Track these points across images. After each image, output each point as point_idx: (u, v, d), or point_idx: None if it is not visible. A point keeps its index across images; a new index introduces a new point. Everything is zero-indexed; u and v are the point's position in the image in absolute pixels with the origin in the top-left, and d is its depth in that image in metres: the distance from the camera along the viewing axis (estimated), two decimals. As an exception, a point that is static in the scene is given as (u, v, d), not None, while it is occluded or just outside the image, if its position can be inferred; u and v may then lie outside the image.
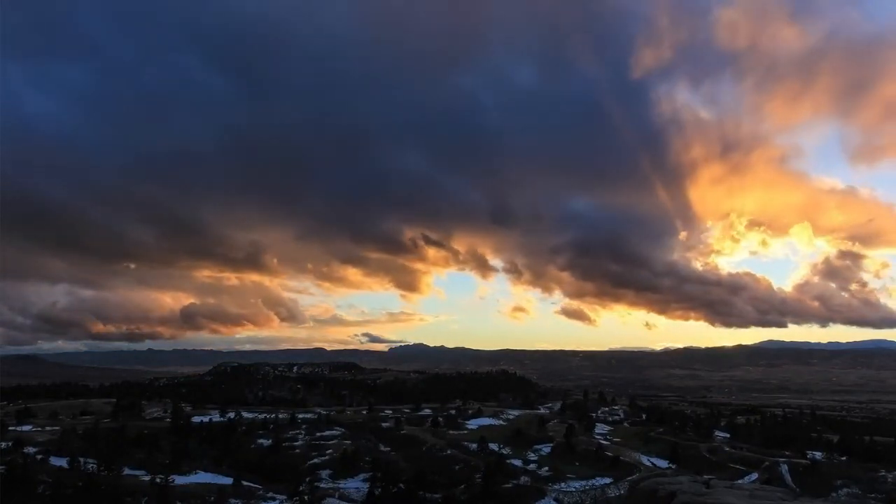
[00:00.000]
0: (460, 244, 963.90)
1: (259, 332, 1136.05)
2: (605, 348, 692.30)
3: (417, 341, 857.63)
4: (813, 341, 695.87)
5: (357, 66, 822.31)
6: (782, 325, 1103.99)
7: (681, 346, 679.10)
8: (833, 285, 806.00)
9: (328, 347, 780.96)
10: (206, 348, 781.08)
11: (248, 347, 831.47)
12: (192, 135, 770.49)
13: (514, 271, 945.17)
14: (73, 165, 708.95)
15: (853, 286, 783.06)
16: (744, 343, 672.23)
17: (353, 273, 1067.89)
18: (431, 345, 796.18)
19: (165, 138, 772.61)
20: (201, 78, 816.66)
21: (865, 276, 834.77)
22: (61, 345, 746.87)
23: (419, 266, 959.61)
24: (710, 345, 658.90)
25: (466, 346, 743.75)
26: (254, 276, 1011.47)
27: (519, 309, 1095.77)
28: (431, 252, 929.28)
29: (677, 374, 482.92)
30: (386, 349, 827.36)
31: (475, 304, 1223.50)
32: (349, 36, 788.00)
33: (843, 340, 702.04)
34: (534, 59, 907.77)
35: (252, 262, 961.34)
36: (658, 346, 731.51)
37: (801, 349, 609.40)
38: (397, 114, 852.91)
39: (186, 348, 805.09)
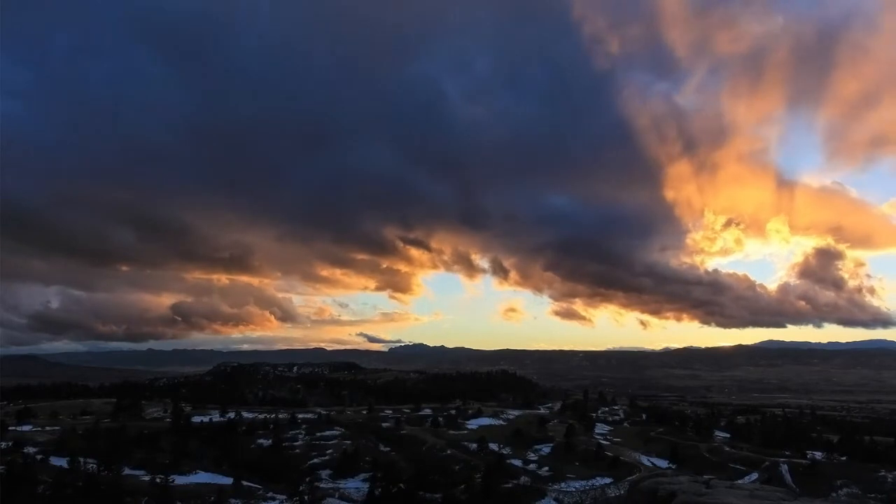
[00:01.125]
0: (443, 244, 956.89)
1: (254, 332, 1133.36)
2: (605, 348, 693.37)
3: (412, 341, 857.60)
4: (812, 341, 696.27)
5: (313, 55, 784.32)
6: (772, 325, 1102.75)
7: (680, 346, 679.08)
8: (818, 285, 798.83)
9: (327, 347, 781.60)
10: (206, 348, 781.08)
11: (248, 347, 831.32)
12: (151, 133, 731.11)
13: (501, 272, 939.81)
14: (37, 167, 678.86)
15: (838, 285, 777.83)
16: (743, 343, 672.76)
17: (340, 274, 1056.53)
18: (431, 345, 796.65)
19: (124, 137, 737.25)
20: (152, 72, 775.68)
21: (846, 276, 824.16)
22: (61, 345, 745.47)
23: (406, 267, 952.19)
24: (710, 345, 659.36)
25: (466, 346, 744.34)
26: (244, 277, 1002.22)
27: (511, 310, 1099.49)
28: (416, 253, 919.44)
29: (677, 374, 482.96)
30: (386, 349, 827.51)
31: (467, 304, 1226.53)
32: (304, 23, 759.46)
33: (843, 340, 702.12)
34: (496, 47, 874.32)
35: (238, 263, 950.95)
36: (658, 346, 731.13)
37: (800, 349, 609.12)
38: (360, 105, 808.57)
39: (186, 348, 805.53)
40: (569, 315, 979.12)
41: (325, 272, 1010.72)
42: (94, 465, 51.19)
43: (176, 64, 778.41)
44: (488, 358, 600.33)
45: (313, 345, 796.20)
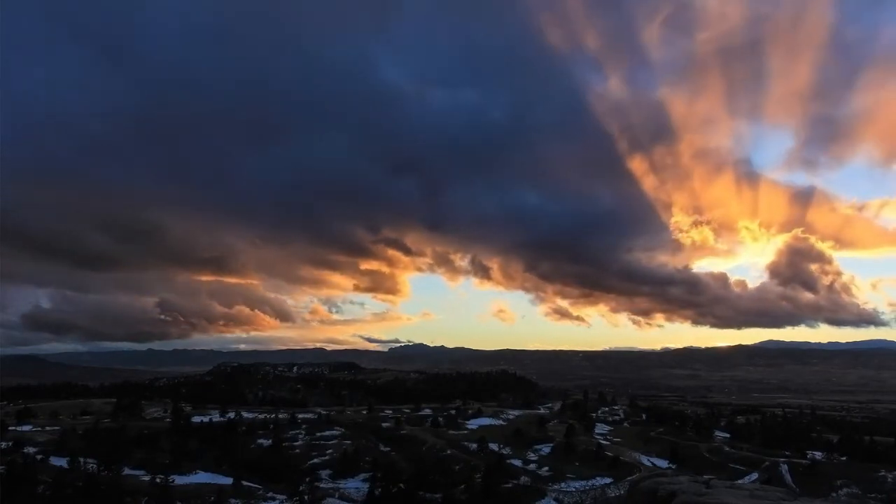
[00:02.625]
0: (422, 245, 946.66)
1: (247, 333, 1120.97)
2: (604, 348, 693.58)
3: (409, 341, 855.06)
4: (812, 341, 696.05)
5: (257, 45, 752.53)
6: (754, 324, 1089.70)
7: (680, 346, 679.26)
8: (795, 285, 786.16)
9: (326, 347, 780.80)
10: (206, 348, 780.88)
11: (248, 348, 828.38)
12: (98, 132, 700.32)
13: (482, 272, 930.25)
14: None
15: (815, 285, 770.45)
16: (743, 343, 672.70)
17: (324, 275, 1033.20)
18: (431, 345, 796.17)
19: (70, 137, 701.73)
20: (82, 68, 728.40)
21: (822, 275, 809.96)
22: (61, 345, 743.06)
23: (387, 268, 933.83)
24: (710, 345, 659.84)
25: (466, 347, 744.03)
26: (230, 279, 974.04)
27: (501, 310, 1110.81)
28: (395, 254, 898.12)
29: (677, 374, 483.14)
30: (386, 349, 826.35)
31: (455, 304, 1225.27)
32: (245, 10, 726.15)
33: (843, 340, 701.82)
34: (446, 38, 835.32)
35: (221, 264, 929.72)
36: (657, 347, 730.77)
37: (800, 349, 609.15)
38: (310, 98, 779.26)
39: (186, 348, 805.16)
40: (559, 315, 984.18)
41: (308, 273, 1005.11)
42: (94, 465, 51.25)
43: (107, 59, 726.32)
44: (488, 358, 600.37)
45: (310, 345, 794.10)
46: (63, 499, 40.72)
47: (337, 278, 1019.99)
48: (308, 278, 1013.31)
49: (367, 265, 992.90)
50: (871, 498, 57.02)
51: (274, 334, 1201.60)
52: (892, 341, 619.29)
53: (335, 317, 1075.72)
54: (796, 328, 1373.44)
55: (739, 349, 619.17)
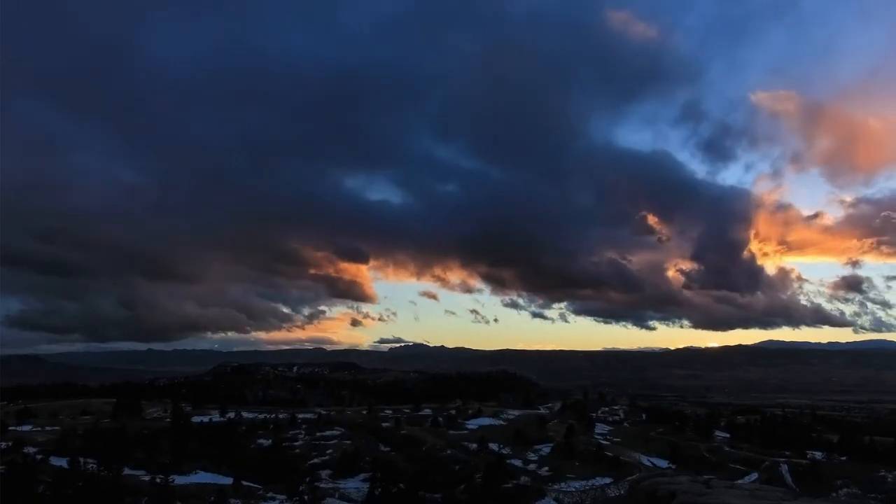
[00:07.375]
0: (375, 249, 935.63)
1: (224, 334, 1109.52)
2: (604, 348, 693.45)
3: (393, 337, 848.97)
4: (813, 341, 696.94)
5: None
6: (734, 325, 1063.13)
7: (680, 346, 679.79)
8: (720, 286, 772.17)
9: (327, 348, 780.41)
10: (206, 348, 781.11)
11: (248, 348, 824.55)
12: None
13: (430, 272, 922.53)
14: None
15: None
16: (744, 343, 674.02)
17: (279, 280, 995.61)
18: (431, 344, 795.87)
19: None
20: None
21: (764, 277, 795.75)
22: (61, 345, 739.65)
23: (338, 274, 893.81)
24: (710, 345, 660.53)
25: (467, 347, 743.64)
26: (191, 285, 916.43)
27: (475, 311, 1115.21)
28: (333, 258, 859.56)
29: (677, 374, 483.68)
30: (386, 349, 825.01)
31: (421, 305, 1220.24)
32: None
33: (843, 340, 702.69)
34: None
35: (172, 272, 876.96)
36: (657, 347, 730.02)
37: (800, 349, 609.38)
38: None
39: (186, 348, 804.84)
40: (522, 312, 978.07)
41: (264, 278, 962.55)
42: (94, 465, 51.12)
43: None
44: (488, 358, 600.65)
45: (299, 345, 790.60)
46: (63, 499, 40.71)
47: (290, 283, 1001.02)
48: (270, 283, 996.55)
49: (314, 270, 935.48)
50: (871, 498, 57.04)
51: (250, 337, 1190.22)
52: (892, 341, 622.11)
53: (312, 319, 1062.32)
54: (796, 329, 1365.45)
55: (739, 349, 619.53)
